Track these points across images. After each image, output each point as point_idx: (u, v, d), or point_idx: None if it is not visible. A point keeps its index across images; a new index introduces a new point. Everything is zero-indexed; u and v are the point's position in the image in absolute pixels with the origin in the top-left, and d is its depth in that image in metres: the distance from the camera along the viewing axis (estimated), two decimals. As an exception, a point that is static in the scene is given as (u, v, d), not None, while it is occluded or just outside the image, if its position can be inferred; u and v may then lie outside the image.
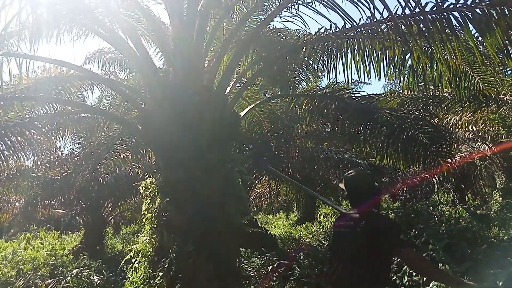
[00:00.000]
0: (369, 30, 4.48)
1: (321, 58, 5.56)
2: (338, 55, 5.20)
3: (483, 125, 8.65)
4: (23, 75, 4.71)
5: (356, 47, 4.77)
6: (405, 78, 5.49)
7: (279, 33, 6.47)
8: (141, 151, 7.81)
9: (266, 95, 7.51)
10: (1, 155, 5.42)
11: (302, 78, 7.24)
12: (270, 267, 6.11)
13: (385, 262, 2.42)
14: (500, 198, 10.62)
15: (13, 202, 13.05)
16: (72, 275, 6.67)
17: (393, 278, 4.48)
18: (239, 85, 5.98)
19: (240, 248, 5.83)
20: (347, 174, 2.70)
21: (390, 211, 12.54)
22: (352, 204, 2.65)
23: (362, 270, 2.31)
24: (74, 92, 6.51)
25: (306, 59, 5.74)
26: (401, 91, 8.17)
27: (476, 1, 3.59)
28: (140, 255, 4.12)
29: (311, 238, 10.24)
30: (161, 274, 3.63)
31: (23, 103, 5.24)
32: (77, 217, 12.99)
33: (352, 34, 4.65)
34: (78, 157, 9.84)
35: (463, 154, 11.94)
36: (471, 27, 3.71)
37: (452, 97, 7.18)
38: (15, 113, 5.28)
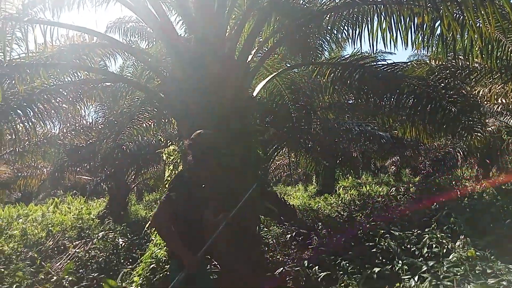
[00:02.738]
0: (398, -5, 4.29)
1: (346, 26, 5.39)
2: (364, 23, 5.02)
3: (514, 97, 8.30)
4: (47, 43, 4.78)
5: (383, 14, 4.59)
6: (434, 48, 5.28)
7: (302, 0, 6.27)
8: (163, 120, 7.89)
9: (288, 64, 7.37)
10: (29, 121, 5.58)
11: (325, 48, 7.06)
12: (289, 235, 6.21)
13: None
14: (527, 174, 10.32)
15: (41, 168, 13.56)
16: (98, 237, 6.95)
17: (412, 249, 4.49)
18: (261, 54, 5.89)
19: (260, 216, 5.94)
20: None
21: (411, 185, 12.44)
22: None
23: None
24: (97, 61, 6.57)
25: (330, 27, 5.57)
26: (428, 61, 7.89)
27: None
28: (163, 220, 4.24)
29: (329, 209, 10.31)
30: (183, 237, 3.74)
31: (48, 71, 5.33)
32: (102, 184, 13.45)
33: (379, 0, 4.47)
34: (102, 125, 10.05)
35: (490, 128, 11.57)
36: (508, -9, 3.51)
37: (482, 68, 6.89)
38: (41, 81, 5.39)
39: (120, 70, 10.42)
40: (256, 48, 5.43)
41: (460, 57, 6.00)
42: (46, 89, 5.27)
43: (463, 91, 6.13)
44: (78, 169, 12.37)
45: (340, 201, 11.47)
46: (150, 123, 8.00)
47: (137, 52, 6.21)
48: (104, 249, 6.54)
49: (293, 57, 7.04)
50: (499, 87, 7.93)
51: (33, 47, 4.69)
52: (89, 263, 6.07)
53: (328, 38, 6.28)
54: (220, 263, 3.43)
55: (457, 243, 4.16)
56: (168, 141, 4.73)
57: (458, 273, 3.31)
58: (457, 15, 4.38)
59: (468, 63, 6.77)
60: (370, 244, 4.73)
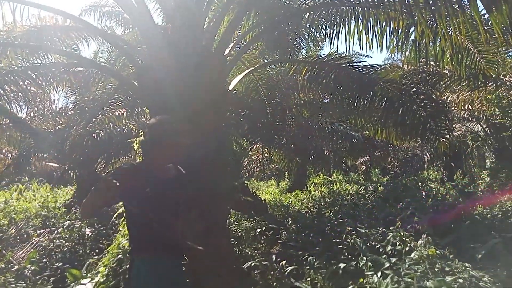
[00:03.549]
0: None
1: (324, 26, 5.46)
2: (342, 24, 5.11)
3: (480, 105, 8.67)
4: (16, 22, 4.58)
5: (360, 16, 4.68)
6: (407, 52, 5.43)
7: (283, -4, 6.30)
8: (136, 109, 7.76)
9: (265, 60, 7.39)
10: (-6, 103, 5.37)
11: (303, 46, 7.13)
12: (259, 230, 6.27)
13: None
14: (488, 178, 10.83)
15: (5, 153, 13.05)
16: (64, 227, 6.77)
17: (377, 246, 4.63)
18: (238, 47, 5.88)
19: (231, 210, 5.96)
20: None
21: (379, 184, 12.79)
22: None
23: None
24: (69, 44, 6.37)
25: (308, 26, 5.63)
26: (401, 66, 8.11)
27: (487, -25, 3.50)
28: (131, 210, 4.18)
29: (300, 205, 10.45)
30: (152, 229, 3.71)
31: (17, 51, 5.13)
32: (69, 172, 13.06)
33: (358, 2, 4.56)
34: (72, 111, 9.78)
35: (457, 133, 12.03)
36: (478, 3, 3.64)
37: (452, 75, 7.15)
38: (8, 61, 5.18)
39: (94, 55, 10.16)
40: (234, 41, 5.42)
41: (431, 63, 6.20)
42: (14, 70, 5.07)
43: (433, 96, 6.35)
44: (45, 155, 11.99)
45: (310, 198, 11.63)
46: (122, 112, 7.85)
47: (112, 38, 6.05)
48: (69, 238, 6.38)
49: (271, 53, 7.07)
50: (466, 94, 8.26)
51: (0, 25, 4.50)
52: (53, 253, 5.91)
53: (307, 37, 6.34)
54: (187, 255, 3.42)
55: (419, 242, 4.33)
56: (140, 131, 4.65)
57: (419, 270, 3.44)
58: (431, 23, 4.52)
59: (439, 69, 7.01)
60: (337, 240, 4.85)
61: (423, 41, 4.50)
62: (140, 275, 2.34)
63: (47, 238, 6.41)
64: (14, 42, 4.86)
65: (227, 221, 4.51)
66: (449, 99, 8.62)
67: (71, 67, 6.25)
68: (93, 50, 12.14)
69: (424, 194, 8.89)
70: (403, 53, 5.23)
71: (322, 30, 5.46)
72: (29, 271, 4.64)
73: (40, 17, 6.11)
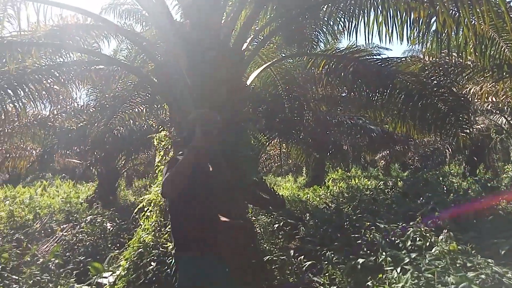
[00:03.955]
0: (395, -11, 4.30)
1: (342, 18, 5.38)
2: (360, 16, 5.02)
3: (504, 96, 8.41)
4: (40, 22, 4.69)
5: (380, 7, 4.59)
6: (428, 44, 5.31)
7: (300, -11, 6.24)
8: (156, 106, 7.85)
9: (283, 54, 7.35)
10: (19, 102, 5.50)
11: (321, 40, 7.05)
12: (277, 225, 6.27)
13: None
14: (512, 172, 10.53)
15: (30, 150, 13.40)
16: (86, 221, 6.94)
17: (396, 241, 4.57)
18: (256, 42, 5.86)
19: (249, 205, 5.98)
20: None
21: (399, 179, 12.60)
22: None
23: None
24: (90, 43, 6.48)
25: (326, 18, 5.56)
26: (422, 57, 7.93)
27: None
28: (152, 205, 4.25)
29: (318, 201, 10.40)
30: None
31: (40, 51, 5.25)
32: (91, 168, 13.35)
33: (377, -8, 4.47)
34: (93, 109, 9.95)
35: (479, 126, 11.73)
36: (504, -10, 3.53)
37: (475, 66, 6.96)
38: (32, 60, 5.30)
39: (114, 53, 10.31)
40: (252, 36, 5.41)
41: (454, 54, 6.05)
42: (38, 69, 5.19)
43: (454, 89, 6.19)
44: (67, 152, 12.27)
45: (328, 193, 11.56)
46: (142, 108, 7.95)
47: (132, 35, 6.13)
48: (91, 233, 6.54)
49: (288, 47, 7.02)
50: (490, 85, 8.03)
51: (25, 25, 4.62)
52: (76, 247, 6.07)
53: (324, 30, 6.27)
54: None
55: (440, 237, 4.25)
56: (160, 127, 4.71)
57: (439, 266, 3.38)
58: (453, 12, 4.41)
59: (461, 60, 6.83)
60: (356, 235, 4.80)
61: (445, 31, 4.38)
62: (187, 274, 2.33)
63: (70, 232, 6.59)
64: (38, 42, 4.97)
65: (246, 215, 4.52)
66: (472, 91, 8.39)
67: (92, 65, 6.38)
68: (113, 48, 12.31)
69: (445, 189, 8.71)
70: (424, 44, 5.10)
71: (341, 22, 5.38)
72: (53, 265, 4.78)
73: (62, 16, 6.24)
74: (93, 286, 4.02)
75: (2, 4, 4.17)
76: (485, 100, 8.98)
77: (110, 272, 4.10)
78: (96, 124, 8.71)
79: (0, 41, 4.34)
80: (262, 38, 5.65)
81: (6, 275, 4.06)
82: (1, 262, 4.38)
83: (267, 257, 4.30)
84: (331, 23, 5.59)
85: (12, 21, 4.57)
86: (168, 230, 3.75)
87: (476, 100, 9.17)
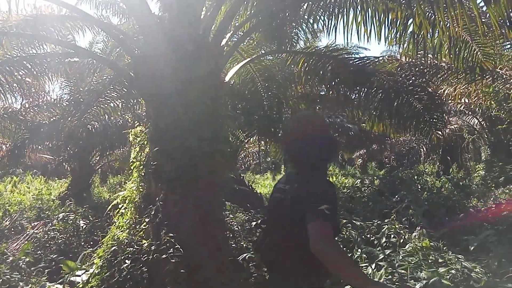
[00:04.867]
0: (374, -11, 4.35)
1: (322, 16, 5.42)
2: (340, 15, 5.06)
3: (476, 98, 8.68)
4: (12, 11, 4.51)
5: (359, 7, 4.65)
6: (405, 45, 5.40)
7: (281, -14, 6.23)
8: (132, 100, 7.69)
9: (263, 51, 7.34)
10: (-12, 93, 5.30)
11: (301, 38, 7.07)
12: (254, 223, 6.27)
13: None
14: (483, 171, 10.89)
15: (0, 145, 12.95)
16: (58, 219, 6.74)
17: (371, 238, 4.65)
18: (236, 38, 5.82)
19: (226, 202, 5.95)
20: (292, 117, 2.04)
21: (375, 178, 12.82)
22: (294, 161, 1.94)
23: (285, 244, 1.78)
24: (65, 34, 6.29)
25: (306, 16, 5.58)
26: (398, 58, 8.09)
27: (486, -34, 3.47)
28: (127, 202, 4.15)
29: (296, 198, 10.45)
30: (147, 220, 3.69)
31: (12, 41, 5.05)
32: (64, 164, 13.00)
33: (356, -8, 4.51)
34: (67, 103, 9.69)
35: (453, 126, 12.06)
36: (477, -6, 3.62)
37: (449, 68, 7.14)
38: (3, 51, 5.10)
39: (89, 45, 10.04)
40: (232, 32, 5.36)
41: (429, 55, 6.18)
42: (9, 60, 5.00)
43: (429, 89, 6.34)
44: (39, 147, 11.91)
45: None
46: (117, 103, 7.79)
47: (108, 28, 5.96)
48: (64, 230, 6.36)
49: (268, 44, 7.01)
50: (463, 87, 8.26)
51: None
52: (48, 245, 5.89)
53: (304, 27, 6.29)
54: (182, 246, 3.41)
55: (414, 234, 4.36)
56: (136, 122, 4.61)
57: (412, 262, 3.47)
58: (429, 14, 4.50)
59: (436, 61, 6.99)
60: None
61: (421, 33, 4.47)
62: None
63: (41, 230, 6.39)
64: (9, 32, 4.78)
65: (223, 212, 4.49)
66: (446, 92, 8.62)
67: (67, 57, 6.19)
68: (88, 41, 11.99)
69: (419, 187, 8.93)
70: (402, 45, 5.19)
71: (320, 21, 5.41)
72: (24, 263, 4.63)
73: (36, 6, 6.03)
74: (66, 285, 3.92)
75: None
76: (458, 101, 9.25)
77: (84, 270, 4.00)
78: (69, 119, 8.46)
79: (-33, 30, 4.13)
80: (242, 34, 5.62)
81: (-28, 273, 3.91)
82: (-32, 260, 4.20)
83: (245, 255, 4.29)
84: (311, 21, 5.61)
85: (-20, 10, 4.37)
86: (143, 227, 3.68)
87: (449, 101, 9.43)
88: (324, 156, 1.88)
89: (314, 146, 1.81)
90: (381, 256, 3.79)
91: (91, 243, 6.04)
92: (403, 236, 4.33)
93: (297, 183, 1.78)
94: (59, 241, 5.98)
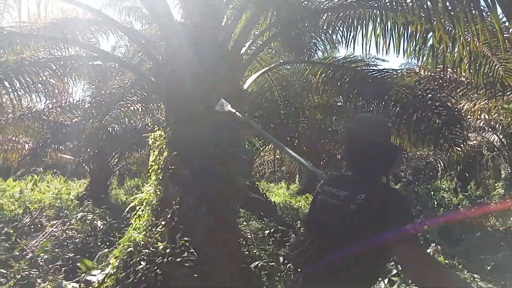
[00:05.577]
0: (394, 2, 4.37)
1: (341, 27, 5.45)
2: (359, 26, 5.09)
3: (496, 114, 8.52)
4: (40, 14, 4.69)
5: (378, 19, 4.66)
6: (424, 58, 5.39)
7: (301, -3, 6.31)
8: (152, 105, 7.85)
9: (281, 60, 7.41)
10: (15, 93, 5.49)
11: (319, 47, 7.12)
12: (267, 231, 6.28)
13: (382, 255, 1.63)
14: (502, 190, 10.64)
15: (22, 143, 13.31)
16: (77, 218, 6.90)
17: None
18: (255, 47, 5.91)
19: (240, 209, 5.98)
20: (356, 118, 1.87)
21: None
22: (352, 165, 1.80)
23: (350, 259, 1.61)
24: (89, 38, 6.48)
25: (325, 27, 5.62)
26: (417, 71, 8.03)
27: (508, -18, 3.45)
28: (144, 204, 4.24)
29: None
30: (163, 223, 3.75)
31: (39, 43, 5.24)
32: (83, 165, 13.26)
33: (376, 4, 4.54)
34: (88, 105, 9.93)
35: (472, 143, 11.84)
36: (498, 10, 3.59)
37: (469, 83, 7.06)
38: (30, 52, 5.29)
39: (112, 49, 10.30)
40: (251, 40, 5.45)
41: (449, 69, 6.13)
42: (36, 61, 5.19)
43: (448, 104, 6.26)
44: (60, 147, 12.20)
45: (320, 202, 11.55)
46: (138, 107, 7.95)
47: (131, 32, 6.14)
48: (81, 230, 6.51)
49: (287, 54, 7.08)
50: (483, 103, 8.13)
51: (25, 17, 4.61)
52: (65, 243, 6.03)
53: (323, 38, 6.34)
54: (196, 250, 3.46)
55: (428, 250, 4.29)
56: (155, 126, 4.71)
57: (427, 278, 3.42)
58: (449, 28, 4.49)
59: (456, 76, 6.92)
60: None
61: (441, 47, 4.46)
62: None
63: (59, 228, 6.55)
64: (37, 34, 4.97)
65: (237, 219, 4.53)
66: (465, 107, 8.49)
67: (90, 60, 6.37)
68: (111, 45, 12.30)
69: (436, 203, 8.79)
70: (420, 58, 5.18)
71: (339, 32, 5.44)
72: (42, 260, 4.74)
73: (63, 9, 6.24)
74: (82, 284, 3.99)
75: (4, -6, 4.17)
76: (478, 117, 9.09)
77: (99, 270, 4.08)
78: (90, 120, 8.68)
79: (0, 32, 4.31)
80: (261, 43, 5.70)
81: (-7, 267, 4.04)
82: (-11, 255, 4.34)
83: (257, 263, 4.31)
84: (330, 31, 5.65)
85: (12, 11, 4.55)
86: (159, 230, 3.74)
87: (469, 117, 9.27)
88: (390, 164, 1.79)
89: (381, 152, 1.69)
90: (394, 271, 3.75)
91: (107, 243, 6.14)
92: (417, 251, 4.27)
93: (363, 191, 1.62)
94: (76, 240, 6.11)
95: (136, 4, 8.61)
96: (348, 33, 5.22)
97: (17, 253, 4.96)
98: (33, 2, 4.18)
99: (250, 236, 6.05)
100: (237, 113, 2.79)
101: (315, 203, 1.90)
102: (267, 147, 11.89)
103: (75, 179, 18.76)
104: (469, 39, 4.26)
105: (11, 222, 7.36)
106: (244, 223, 6.44)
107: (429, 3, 3.84)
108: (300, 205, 11.47)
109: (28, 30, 4.89)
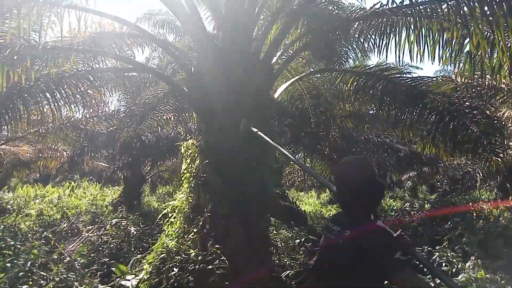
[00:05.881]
0: (428, 9, 4.27)
1: (373, 35, 5.37)
2: (392, 34, 4.99)
3: (540, 122, 8.10)
4: (80, 29, 4.91)
5: (412, 26, 4.56)
6: (461, 64, 5.20)
7: (332, 6, 6.29)
8: (184, 114, 8.01)
9: (311, 69, 7.38)
10: (55, 104, 5.77)
11: (350, 56, 7.06)
12: (298, 240, 6.22)
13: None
14: (548, 202, 10.04)
15: (61, 151, 13.90)
16: (111, 224, 7.10)
17: (420, 266, 4.45)
18: (285, 56, 5.92)
19: (271, 218, 5.96)
20: (341, 162, 2.05)
21: (426, 202, 12.24)
22: (341, 205, 2.05)
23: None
24: (125, 50, 6.72)
25: (357, 35, 5.55)
26: (453, 78, 7.77)
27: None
28: (176, 211, 4.32)
29: (340, 218, 10.23)
30: (195, 230, 3.81)
31: (78, 56, 5.49)
32: (118, 172, 13.70)
33: (410, 12, 4.45)
34: (123, 114, 10.26)
35: (513, 152, 11.27)
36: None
37: (509, 89, 6.75)
38: (70, 65, 5.54)
39: (146, 61, 10.64)
40: (282, 50, 5.48)
41: (487, 76, 5.90)
42: (75, 74, 5.44)
43: (487, 112, 6.02)
44: (96, 155, 12.65)
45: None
46: (170, 116, 8.14)
47: (165, 44, 6.32)
48: (116, 235, 6.69)
49: (317, 62, 7.05)
50: (525, 110, 7.76)
51: (66, 31, 4.83)
52: (101, 248, 6.22)
53: (354, 46, 6.26)
54: (227, 258, 3.48)
55: (467, 264, 4.11)
56: (187, 135, 4.81)
57: (466, 293, 3.28)
58: (487, 34, 4.32)
59: (495, 83, 6.65)
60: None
61: (479, 53, 4.30)
62: None
63: (95, 234, 6.76)
64: (77, 48, 5.21)
65: (268, 227, 4.52)
66: (506, 115, 8.12)
67: (125, 71, 6.60)
68: (145, 56, 12.69)
69: (474, 214, 8.42)
70: (457, 65, 5.01)
71: (371, 40, 5.36)
72: (79, 264, 4.90)
73: (100, 24, 6.51)
74: (116, 288, 4.09)
75: (48, 11, 4.40)
76: (520, 124, 8.67)
77: (133, 275, 4.17)
78: (125, 129, 8.97)
79: (44, 46, 4.56)
80: (292, 52, 5.71)
81: (34, 270, 4.21)
82: (31, 258, 4.54)
83: (288, 272, 4.28)
84: (362, 40, 5.57)
85: (54, 27, 4.80)
86: (191, 237, 3.80)
87: (510, 125, 8.86)
88: (377, 201, 2.03)
89: (364, 193, 1.89)
90: (432, 285, 3.61)
91: (140, 249, 6.28)
92: (455, 265, 4.09)
93: (350, 228, 1.87)
94: (111, 246, 6.28)
95: (169, 17, 8.88)
96: (381, 41, 5.13)
97: (56, 257, 5.15)
98: (73, 17, 4.39)
99: (280, 245, 6.01)
100: (259, 132, 3.07)
101: (322, 235, 2.15)
102: (297, 155, 11.82)
103: (110, 186, 19.37)
104: (509, 44, 4.10)
105: (50, 227, 7.68)
106: (275, 232, 6.41)
107: (465, 8, 3.73)
108: (331, 214, 11.31)
109: (68, 44, 5.13)
